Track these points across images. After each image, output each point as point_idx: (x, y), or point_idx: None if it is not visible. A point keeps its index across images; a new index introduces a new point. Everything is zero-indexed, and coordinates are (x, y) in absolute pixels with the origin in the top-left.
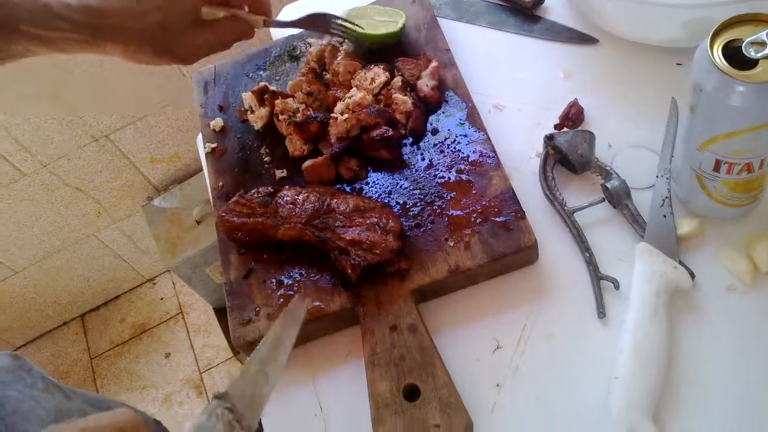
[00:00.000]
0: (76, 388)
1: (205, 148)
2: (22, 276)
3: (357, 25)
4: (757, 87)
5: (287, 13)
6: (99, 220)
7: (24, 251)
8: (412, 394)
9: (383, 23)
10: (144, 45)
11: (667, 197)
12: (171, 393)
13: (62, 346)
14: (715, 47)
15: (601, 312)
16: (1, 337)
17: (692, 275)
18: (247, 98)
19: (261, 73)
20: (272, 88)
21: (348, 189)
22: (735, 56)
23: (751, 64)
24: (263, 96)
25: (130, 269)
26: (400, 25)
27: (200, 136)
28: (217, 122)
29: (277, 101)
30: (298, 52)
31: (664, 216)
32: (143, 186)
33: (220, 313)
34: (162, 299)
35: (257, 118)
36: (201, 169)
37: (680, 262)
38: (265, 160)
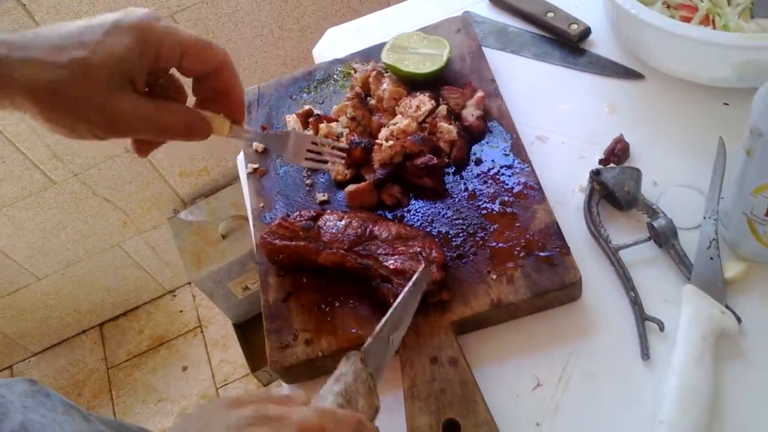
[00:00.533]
0: (91, 398)
1: (247, 168)
2: (45, 283)
3: (341, 150)
4: None
5: (330, 37)
6: (125, 230)
7: (49, 259)
8: (451, 429)
9: (428, 57)
10: (62, 89)
11: (714, 239)
12: (187, 407)
13: (80, 355)
14: None
15: (646, 353)
16: (19, 343)
17: (738, 319)
18: (292, 120)
19: (304, 95)
20: (317, 111)
21: (389, 216)
22: None
23: None
24: (308, 119)
25: (152, 280)
26: (444, 59)
27: (242, 155)
28: (260, 144)
29: (322, 125)
30: (342, 77)
31: (711, 258)
32: (171, 198)
33: (240, 328)
34: (181, 312)
35: None
36: (229, 184)
37: (727, 306)
38: (306, 182)
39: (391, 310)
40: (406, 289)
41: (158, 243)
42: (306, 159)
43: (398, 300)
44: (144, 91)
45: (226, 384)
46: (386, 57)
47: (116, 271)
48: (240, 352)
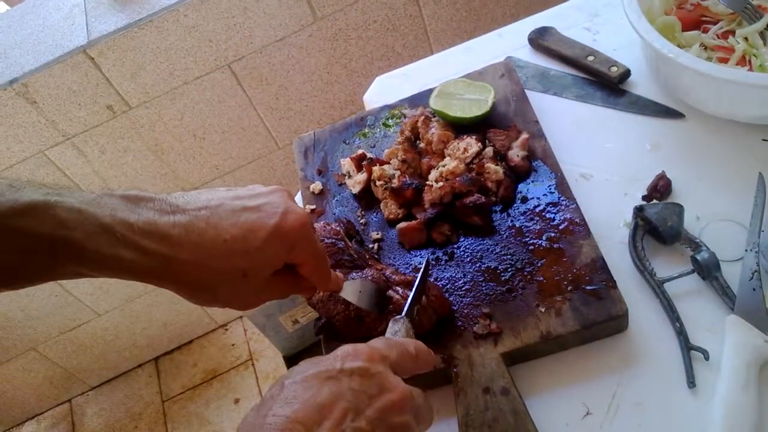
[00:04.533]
0: (147, 430)
1: (305, 209)
2: (104, 319)
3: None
4: None
5: (379, 84)
6: None
7: (109, 295)
8: None
9: (474, 102)
10: (217, 288)
11: (756, 270)
12: None
13: (136, 388)
14: None
15: (691, 382)
16: (78, 377)
17: None
18: (346, 164)
19: (357, 140)
20: (369, 155)
21: (440, 252)
22: None
23: None
24: (361, 162)
25: (205, 315)
26: (489, 104)
27: (299, 196)
28: (317, 185)
29: (375, 167)
30: (392, 122)
31: (754, 289)
32: None
33: (290, 361)
34: (233, 345)
35: (355, 183)
36: None
37: None
38: (361, 222)
39: (412, 293)
40: (419, 275)
41: None
42: (375, 304)
43: (416, 283)
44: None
45: None
46: (434, 103)
47: (171, 306)
48: None
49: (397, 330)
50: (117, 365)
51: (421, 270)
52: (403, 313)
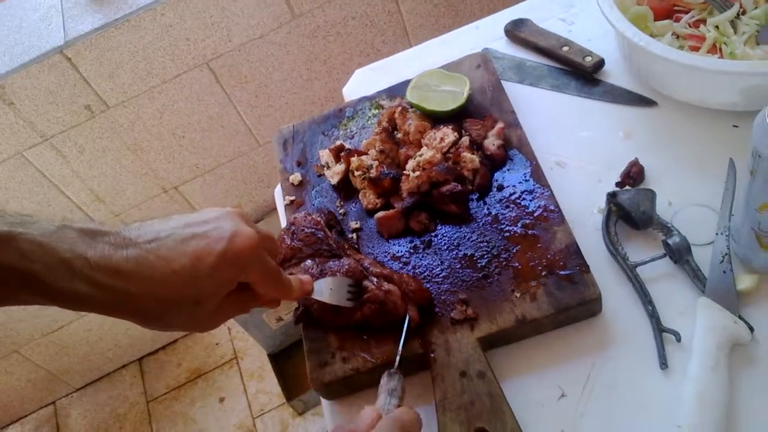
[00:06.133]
0: (132, 431)
1: (284, 200)
2: (87, 320)
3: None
4: None
5: (358, 77)
6: None
7: None
8: None
9: (449, 94)
10: (171, 317)
11: (726, 254)
12: None
13: (120, 389)
14: None
15: (663, 363)
16: (61, 379)
17: (751, 329)
18: (325, 155)
19: (335, 131)
20: (348, 146)
21: (418, 241)
22: None
23: None
24: (340, 153)
25: None
26: (465, 96)
27: (278, 188)
28: (296, 177)
29: (353, 158)
30: (370, 113)
31: (724, 272)
32: None
33: (274, 358)
34: (217, 344)
35: (333, 174)
36: (261, 219)
37: (740, 317)
38: (340, 212)
39: (400, 346)
40: (404, 328)
41: None
42: (347, 299)
43: (402, 336)
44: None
45: (262, 414)
46: (410, 95)
47: None
48: (275, 381)
49: (393, 388)
50: (101, 366)
51: (405, 324)
52: (395, 366)
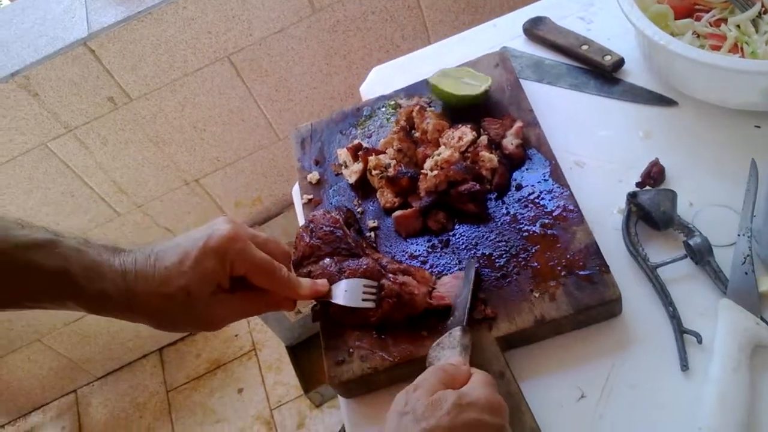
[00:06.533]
0: (152, 420)
1: (302, 199)
2: None
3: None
4: None
5: (375, 75)
6: None
7: None
8: None
9: (468, 85)
10: (171, 310)
11: (748, 255)
12: (243, 428)
13: (140, 379)
14: None
15: (684, 365)
16: (82, 368)
17: None
18: (343, 154)
19: (353, 130)
20: (366, 145)
21: (436, 240)
22: None
23: None
24: (357, 152)
25: None
26: (483, 89)
27: (296, 187)
28: (314, 175)
29: (371, 157)
30: (388, 112)
31: (746, 273)
32: None
33: (292, 350)
34: (236, 336)
35: (351, 173)
36: (280, 213)
37: (762, 318)
38: (358, 210)
39: (468, 301)
40: (471, 281)
41: None
42: (363, 299)
43: (470, 289)
44: (228, 287)
45: (280, 405)
46: (432, 78)
47: None
48: (293, 373)
49: (467, 344)
50: (121, 356)
51: (472, 276)
52: (464, 322)
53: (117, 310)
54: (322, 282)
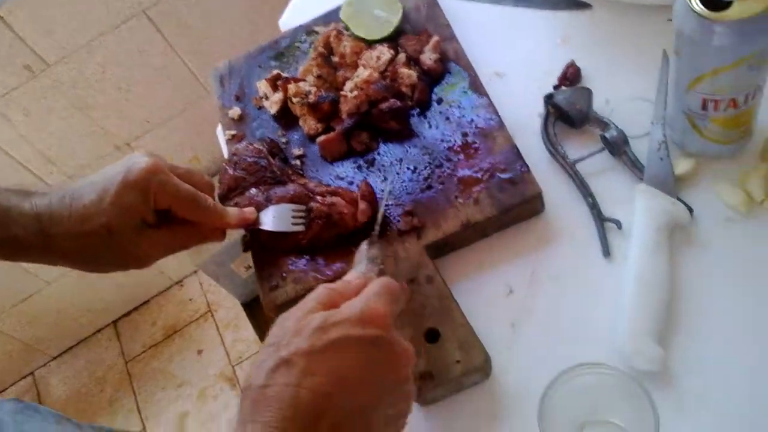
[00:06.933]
0: (113, 392)
1: (225, 135)
2: (54, 287)
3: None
4: (732, 25)
5: (294, 6)
6: None
7: None
8: (433, 336)
9: (379, 21)
10: (92, 250)
11: (663, 141)
12: (205, 388)
13: (97, 353)
14: None
15: (606, 251)
16: (37, 348)
17: (691, 210)
18: (262, 86)
19: (272, 63)
20: (285, 75)
21: (361, 161)
22: (710, 0)
23: (726, 5)
24: (276, 82)
25: (158, 273)
26: (394, 26)
27: (219, 126)
28: (235, 111)
29: (290, 85)
30: (306, 41)
31: (661, 159)
32: None
33: (248, 307)
34: (190, 300)
35: (272, 104)
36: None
37: (679, 199)
38: (282, 141)
39: (380, 212)
40: (384, 196)
41: None
42: (292, 224)
43: (383, 203)
44: (154, 221)
45: (241, 361)
46: (343, 12)
47: None
48: (251, 329)
49: (375, 256)
50: (76, 332)
51: (386, 189)
52: (376, 234)
53: (33, 254)
54: (250, 210)
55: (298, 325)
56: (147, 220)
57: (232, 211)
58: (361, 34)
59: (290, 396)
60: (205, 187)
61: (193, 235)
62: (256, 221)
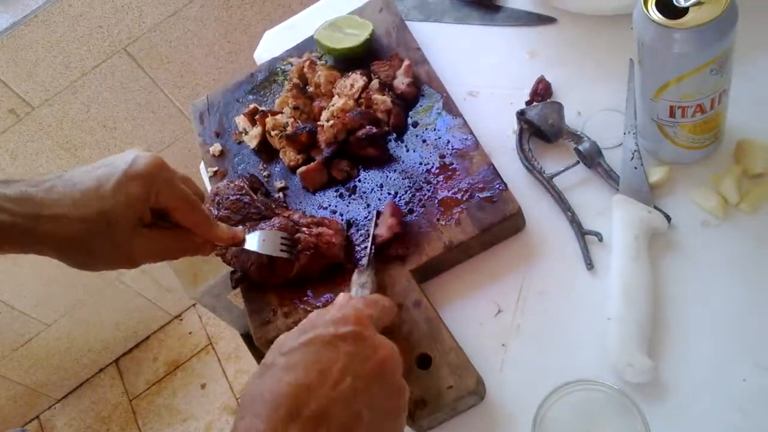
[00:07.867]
0: (119, 431)
1: (207, 172)
2: (54, 329)
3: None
4: (691, 31)
5: (267, 40)
6: None
7: (53, 304)
8: (425, 362)
9: (350, 36)
10: (87, 238)
11: (635, 150)
12: (211, 421)
13: (101, 393)
14: (649, 3)
15: (589, 264)
16: (41, 392)
17: (668, 218)
18: (240, 121)
19: (249, 96)
20: (261, 108)
21: (343, 189)
22: (668, 8)
23: (683, 12)
24: (254, 117)
25: (157, 309)
26: (363, 37)
27: (202, 164)
28: (216, 147)
29: (268, 119)
30: (281, 72)
31: (635, 168)
32: None
33: (248, 337)
34: (190, 333)
35: (252, 138)
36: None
37: (655, 207)
38: (264, 174)
39: (370, 243)
40: (372, 225)
41: (154, 270)
42: (281, 250)
43: (371, 233)
44: (149, 220)
45: None
46: (318, 34)
47: (121, 305)
48: (252, 360)
49: (364, 282)
50: (78, 373)
51: (374, 220)
52: (364, 263)
53: (17, 243)
54: (239, 228)
55: (284, 339)
56: (143, 218)
57: (223, 226)
58: (332, 44)
59: (273, 390)
60: (200, 197)
61: (184, 243)
62: (243, 242)
